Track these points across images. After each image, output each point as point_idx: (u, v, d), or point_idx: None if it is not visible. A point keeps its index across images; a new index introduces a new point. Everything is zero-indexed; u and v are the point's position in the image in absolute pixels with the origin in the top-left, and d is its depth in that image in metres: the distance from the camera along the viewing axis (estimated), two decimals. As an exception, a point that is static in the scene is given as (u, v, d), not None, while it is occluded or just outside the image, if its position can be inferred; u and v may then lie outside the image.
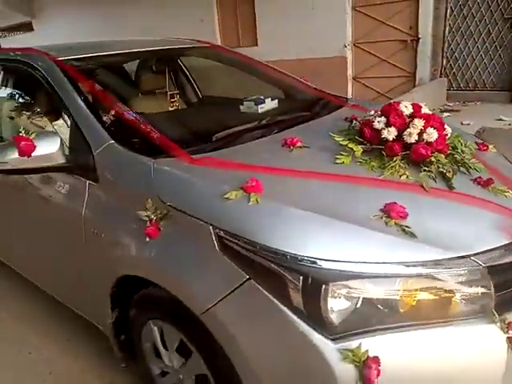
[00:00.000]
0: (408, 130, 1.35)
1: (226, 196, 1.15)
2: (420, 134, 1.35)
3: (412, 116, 1.39)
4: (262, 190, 1.16)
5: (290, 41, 6.03)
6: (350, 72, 5.89)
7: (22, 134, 1.45)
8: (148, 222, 1.24)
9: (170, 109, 2.25)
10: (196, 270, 1.13)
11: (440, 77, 5.28)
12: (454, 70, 5.21)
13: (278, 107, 2.06)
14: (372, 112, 1.50)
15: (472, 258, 1.04)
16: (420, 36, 5.15)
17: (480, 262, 1.04)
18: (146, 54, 2.22)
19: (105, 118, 1.57)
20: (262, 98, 2.07)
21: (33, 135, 1.47)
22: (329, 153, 1.44)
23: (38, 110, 2.11)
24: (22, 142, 1.43)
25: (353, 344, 0.96)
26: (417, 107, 1.41)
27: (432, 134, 1.34)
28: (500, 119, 3.98)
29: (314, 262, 0.99)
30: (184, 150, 1.41)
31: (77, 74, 1.76)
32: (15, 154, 1.43)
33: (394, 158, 1.35)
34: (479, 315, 1.03)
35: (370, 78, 5.75)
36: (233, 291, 1.06)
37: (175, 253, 1.18)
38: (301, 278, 0.99)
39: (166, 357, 1.40)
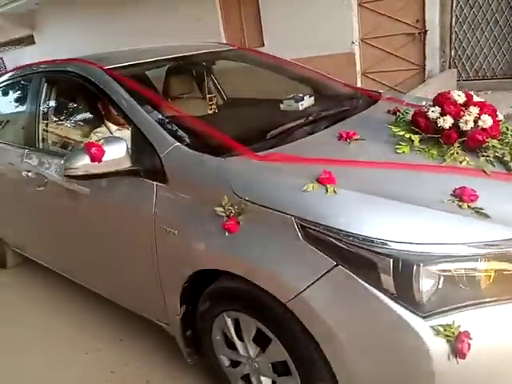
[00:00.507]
0: (464, 117, 1.41)
1: (303, 189, 1.21)
2: (475, 121, 1.42)
3: (466, 104, 1.45)
4: (335, 181, 1.23)
5: (297, 39, 6.08)
6: (358, 68, 5.95)
7: (92, 140, 1.52)
8: (225, 218, 1.31)
9: (210, 111, 2.31)
10: (281, 260, 1.19)
11: (449, 68, 5.34)
12: (463, 61, 5.27)
13: (316, 103, 2.13)
14: (424, 103, 1.56)
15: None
16: (427, 28, 5.22)
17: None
18: (184, 59, 2.28)
19: (166, 122, 1.63)
20: (301, 95, 2.13)
21: (101, 141, 1.53)
22: (385, 143, 1.50)
23: (91, 116, 2.19)
24: (93, 148, 1.50)
25: (444, 320, 1.02)
26: (469, 96, 1.48)
27: (487, 121, 1.41)
28: (514, 106, 4.04)
29: (403, 246, 1.05)
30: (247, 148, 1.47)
31: (129, 82, 1.83)
32: (86, 160, 1.50)
33: (452, 145, 1.41)
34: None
35: (380, 72, 5.81)
36: (321, 277, 1.12)
37: (258, 244, 1.24)
38: (391, 261, 1.05)
39: (240, 347, 1.46)
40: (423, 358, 1.02)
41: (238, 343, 1.46)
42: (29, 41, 11.85)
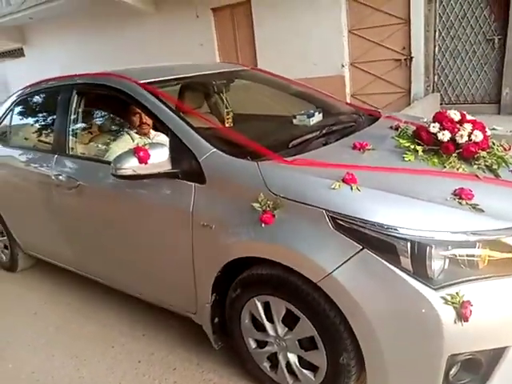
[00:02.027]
0: (460, 132, 1.68)
1: (332, 187, 1.45)
2: (469, 136, 1.69)
3: (460, 121, 1.73)
4: (357, 181, 1.47)
5: (290, 62, 6.43)
6: (348, 89, 6.33)
7: (140, 145, 1.72)
8: (261, 212, 1.52)
9: (227, 124, 2.54)
10: (313, 246, 1.41)
11: (433, 92, 5.76)
12: (445, 86, 5.71)
13: (324, 119, 2.39)
14: (425, 119, 1.84)
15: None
16: (413, 55, 5.64)
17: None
18: (206, 77, 2.52)
19: (202, 131, 1.85)
20: (312, 111, 2.39)
21: (147, 146, 1.74)
22: (393, 153, 1.77)
23: (118, 126, 2.39)
24: (141, 152, 1.70)
25: (451, 291, 1.26)
26: (463, 114, 1.76)
27: (479, 136, 1.68)
28: (493, 129, 4.42)
29: (418, 232, 1.29)
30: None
31: (163, 94, 2.05)
32: (135, 162, 1.70)
33: (450, 155, 1.68)
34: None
35: (368, 94, 6.19)
36: (349, 259, 1.34)
37: (292, 233, 1.46)
38: (408, 244, 1.29)
39: (270, 328, 1.65)
40: (435, 321, 1.25)
41: (268, 324, 1.65)
42: (18, 54, 11.94)
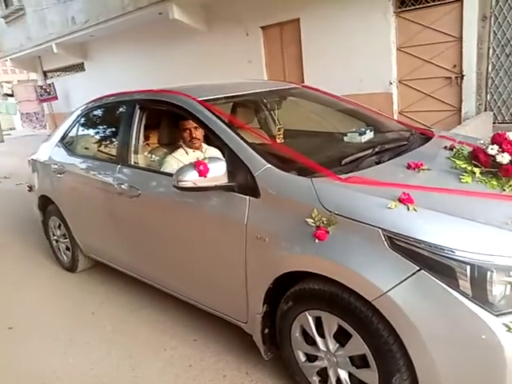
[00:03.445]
0: (521, 155, 1.65)
1: (388, 206, 1.47)
2: (530, 159, 1.66)
3: (521, 144, 1.70)
4: (413, 201, 1.48)
5: (337, 79, 6.47)
6: (395, 107, 6.26)
7: (200, 159, 1.83)
8: (315, 227, 1.57)
9: (278, 140, 2.62)
10: (368, 264, 1.43)
11: (485, 110, 5.58)
12: (499, 105, 5.52)
13: (375, 137, 2.40)
14: (482, 141, 1.82)
15: None
16: (464, 73, 5.51)
17: None
18: (258, 95, 2.62)
19: (257, 147, 1.93)
20: (363, 129, 2.42)
21: (206, 160, 1.84)
22: (449, 174, 1.76)
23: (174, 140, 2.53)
24: (201, 166, 1.80)
25: (512, 318, 1.24)
26: (523, 137, 1.72)
27: (540, 159, 1.65)
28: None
29: (478, 256, 1.29)
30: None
31: (220, 111, 2.16)
32: (195, 175, 1.81)
33: (510, 178, 1.65)
34: None
35: (416, 111, 6.10)
36: (405, 279, 1.35)
37: (346, 251, 1.49)
38: (468, 267, 1.28)
39: (320, 343, 1.67)
40: (497, 348, 1.23)
41: (319, 339, 1.67)
42: (79, 68, 12.78)
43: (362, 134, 2.38)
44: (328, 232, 1.54)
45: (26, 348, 2.46)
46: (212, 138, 2.07)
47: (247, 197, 1.83)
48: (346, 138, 2.40)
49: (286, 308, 1.76)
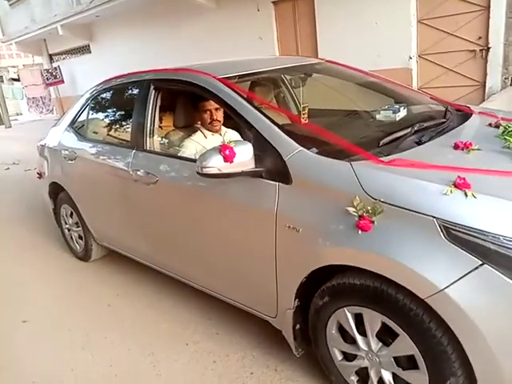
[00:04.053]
0: None
1: (444, 192, 1.30)
2: None
3: None
4: (470, 187, 1.31)
5: (353, 55, 6.17)
6: (415, 83, 5.99)
7: (226, 142, 1.66)
8: (358, 217, 1.41)
9: (303, 120, 2.44)
10: (420, 258, 1.28)
11: (511, 85, 5.30)
12: (527, 78, 5.23)
13: (410, 115, 2.21)
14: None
15: None
16: (490, 45, 5.20)
17: None
18: (283, 71, 2.43)
19: (287, 128, 1.76)
20: (397, 106, 2.23)
21: (232, 143, 1.68)
22: (503, 154, 1.58)
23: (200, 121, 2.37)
24: (227, 150, 1.64)
25: None
26: None
27: None
28: None
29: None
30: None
31: (243, 90, 1.98)
32: (220, 160, 1.65)
33: None
34: None
35: (437, 87, 5.81)
36: (466, 275, 1.20)
37: (394, 243, 1.33)
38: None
39: (361, 341, 1.54)
40: None
41: (359, 337, 1.54)
42: (85, 50, 12.54)
43: (395, 111, 2.18)
44: (373, 222, 1.38)
45: (42, 343, 2.36)
46: (236, 120, 1.89)
47: (276, 183, 1.67)
48: (378, 117, 2.21)
49: (321, 303, 1.61)
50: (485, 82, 5.41)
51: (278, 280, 1.73)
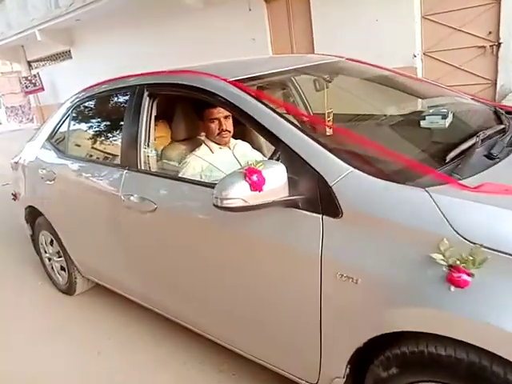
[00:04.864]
0: None
1: None
2: None
3: None
4: None
5: (353, 54, 5.78)
6: (420, 82, 5.66)
7: (252, 165, 1.25)
8: (448, 267, 1.01)
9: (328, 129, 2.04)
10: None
11: (523, 83, 5.01)
12: (541, 75, 4.94)
13: (459, 121, 1.85)
14: None
15: None
16: (501, 40, 4.91)
17: None
18: (302, 71, 2.03)
19: (328, 142, 1.36)
20: (445, 110, 1.85)
21: (260, 166, 1.26)
22: None
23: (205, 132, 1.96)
24: (254, 175, 1.23)
25: None
26: None
27: None
28: None
29: None
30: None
31: (264, 96, 1.58)
32: (247, 189, 1.23)
33: None
34: None
35: (444, 87, 5.50)
36: None
37: (503, 304, 0.94)
38: None
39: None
40: None
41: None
42: (66, 56, 12.01)
43: (444, 116, 1.81)
44: (472, 275, 0.99)
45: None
46: (257, 132, 1.49)
47: (319, 215, 1.26)
48: (423, 123, 1.82)
49: (385, 375, 1.21)
50: (496, 80, 5.11)
51: (324, 341, 1.32)
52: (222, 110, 1.88)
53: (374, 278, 1.14)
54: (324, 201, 1.25)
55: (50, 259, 2.94)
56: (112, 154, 2.16)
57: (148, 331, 2.32)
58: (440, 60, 5.45)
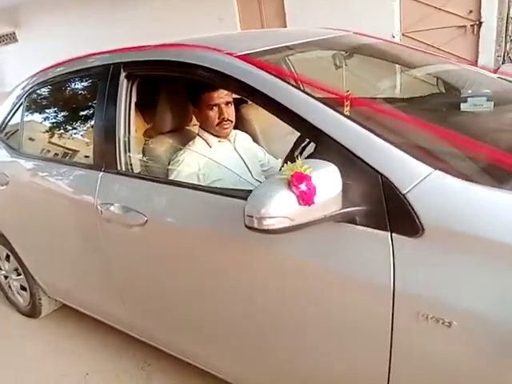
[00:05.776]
0: None
1: None
2: None
3: None
4: None
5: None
6: (399, 64, 5.47)
7: (299, 169, 0.89)
8: None
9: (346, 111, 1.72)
10: None
11: (503, 63, 4.91)
12: (522, 55, 4.87)
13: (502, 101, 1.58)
14: None
15: None
16: (482, 19, 4.77)
17: None
18: (319, 45, 1.67)
19: (388, 134, 1.02)
20: (486, 90, 1.58)
21: (307, 169, 0.91)
22: None
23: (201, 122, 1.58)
24: (303, 183, 0.88)
25: None
26: None
27: None
28: None
29: None
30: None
31: (285, 73, 1.23)
32: (294, 204, 0.88)
33: None
34: None
35: (424, 68, 5.34)
36: None
37: None
38: None
39: None
40: None
41: None
42: (10, 39, 10.95)
43: (489, 97, 1.53)
44: None
45: None
46: (287, 123, 1.13)
47: (386, 233, 0.94)
48: (464, 106, 1.54)
49: None
50: (476, 61, 4.98)
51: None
52: (223, 94, 1.52)
53: (477, 319, 0.84)
54: (393, 214, 0.92)
55: (6, 277, 2.46)
56: (83, 153, 1.73)
57: (132, 360, 1.93)
58: (420, 40, 5.27)
